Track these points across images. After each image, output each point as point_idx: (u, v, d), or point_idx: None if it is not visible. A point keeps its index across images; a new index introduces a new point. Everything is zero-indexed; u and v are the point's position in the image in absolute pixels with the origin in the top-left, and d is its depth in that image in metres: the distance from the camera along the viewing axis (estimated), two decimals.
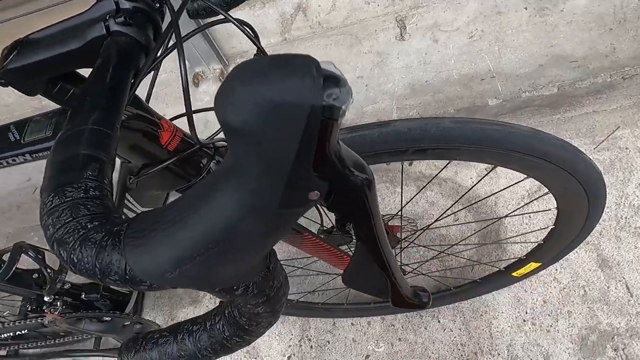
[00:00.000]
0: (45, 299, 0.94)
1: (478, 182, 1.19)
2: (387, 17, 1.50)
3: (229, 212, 0.23)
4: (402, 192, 0.71)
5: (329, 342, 1.20)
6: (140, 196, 0.63)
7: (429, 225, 0.83)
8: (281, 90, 0.21)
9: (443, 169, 1.22)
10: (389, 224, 0.89)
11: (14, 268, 0.83)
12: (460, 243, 1.11)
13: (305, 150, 0.22)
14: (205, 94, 1.58)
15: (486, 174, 1.15)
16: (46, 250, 0.95)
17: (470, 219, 1.21)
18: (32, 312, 0.96)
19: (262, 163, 0.22)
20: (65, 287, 1.00)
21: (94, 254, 0.23)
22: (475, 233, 1.16)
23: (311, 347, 1.22)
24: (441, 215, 0.87)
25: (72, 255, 0.24)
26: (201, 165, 0.56)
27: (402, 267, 0.88)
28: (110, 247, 0.23)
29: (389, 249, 0.41)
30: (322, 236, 0.88)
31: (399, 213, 0.81)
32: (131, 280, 0.23)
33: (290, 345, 1.23)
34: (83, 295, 1.02)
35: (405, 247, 0.92)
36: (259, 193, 0.23)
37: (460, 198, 1.18)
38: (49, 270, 0.88)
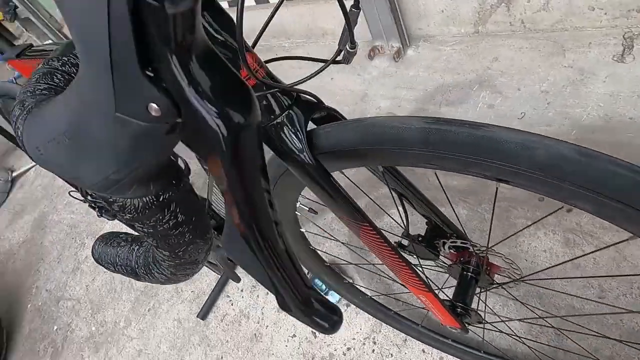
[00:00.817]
0: None
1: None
2: (611, 30, 1.20)
3: (74, 105, 0.20)
4: (491, 223, 0.56)
5: (392, 355, 1.11)
6: None
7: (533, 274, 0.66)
8: None
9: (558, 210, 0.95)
10: (490, 260, 0.74)
11: None
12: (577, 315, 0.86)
13: (119, 34, 0.18)
14: (375, 69, 1.56)
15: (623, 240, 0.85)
16: (179, 156, 1.08)
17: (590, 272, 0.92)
18: None
19: (82, 45, 0.19)
20: None
21: (18, 116, 0.24)
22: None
23: (373, 350, 1.14)
24: (553, 265, 0.67)
25: (15, 108, 0.25)
26: (273, 113, 0.54)
27: (479, 310, 0.72)
28: (25, 114, 0.23)
29: (271, 230, 0.32)
30: (402, 243, 0.79)
31: (488, 248, 0.65)
32: (25, 149, 0.23)
33: (354, 338, 1.17)
34: None
35: (489, 289, 0.75)
36: (94, 88, 0.20)
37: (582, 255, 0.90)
38: None
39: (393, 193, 0.70)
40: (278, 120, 0.54)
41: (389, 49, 1.56)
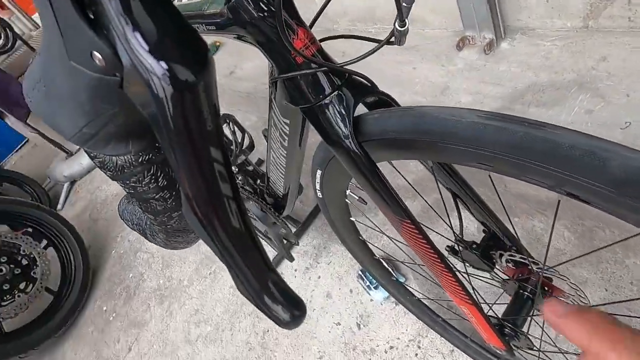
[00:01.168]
0: (233, 168, 1.14)
1: None
2: None
3: (43, 52, 0.20)
4: (549, 239, 0.49)
5: None
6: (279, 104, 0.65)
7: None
8: None
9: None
10: (550, 282, 0.66)
11: None
12: None
13: None
14: (461, 60, 1.46)
15: None
16: (247, 131, 1.11)
17: None
18: None
19: None
20: (249, 168, 1.18)
21: None
22: None
23: (416, 354, 1.09)
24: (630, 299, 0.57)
25: None
26: (322, 92, 0.52)
27: (531, 335, 0.65)
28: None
29: (221, 205, 0.28)
30: (454, 248, 0.73)
31: (545, 268, 0.58)
32: None
33: (398, 338, 1.13)
34: (258, 182, 1.18)
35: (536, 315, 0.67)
36: (49, 34, 0.19)
37: None
38: (238, 146, 1.05)
39: (447, 192, 0.65)
40: (326, 101, 0.52)
41: (481, 40, 1.45)
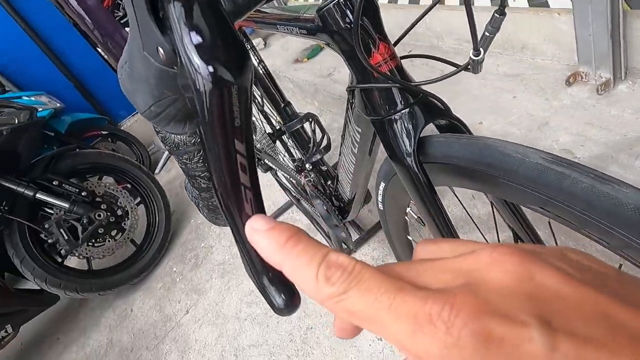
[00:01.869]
0: (306, 165, 1.18)
1: None
2: None
3: (130, 41, 0.24)
4: None
5: None
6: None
7: None
8: None
9: None
10: None
11: (298, 126, 1.08)
12: None
13: None
14: (569, 97, 1.35)
15: None
16: (327, 133, 1.15)
17: None
18: (296, 170, 1.23)
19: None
20: (322, 167, 1.22)
21: None
22: None
23: None
24: None
25: None
26: (393, 107, 0.53)
27: None
28: None
29: (239, 192, 0.30)
30: None
31: None
32: None
33: None
34: (328, 183, 1.21)
35: None
36: (132, 25, 0.23)
37: None
38: (315, 145, 1.09)
39: (509, 231, 0.62)
40: (395, 116, 0.53)
41: (595, 78, 1.32)
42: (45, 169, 1.86)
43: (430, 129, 0.56)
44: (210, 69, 0.26)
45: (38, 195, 1.75)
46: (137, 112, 3.33)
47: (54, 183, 1.84)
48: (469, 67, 0.48)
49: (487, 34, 0.44)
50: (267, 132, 1.34)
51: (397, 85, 0.51)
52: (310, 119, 1.07)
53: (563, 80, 1.39)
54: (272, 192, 2.07)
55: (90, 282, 1.88)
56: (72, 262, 1.98)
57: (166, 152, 3.07)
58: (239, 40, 0.27)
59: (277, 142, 1.39)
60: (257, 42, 3.28)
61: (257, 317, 1.54)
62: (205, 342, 1.58)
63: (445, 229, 0.54)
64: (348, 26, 0.49)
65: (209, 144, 0.29)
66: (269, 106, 1.23)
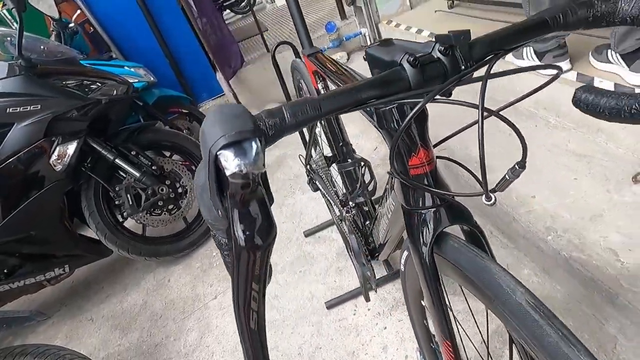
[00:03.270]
0: (350, 202, 1.26)
1: None
2: None
3: (201, 177, 0.33)
4: None
5: None
6: None
7: None
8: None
9: None
10: None
11: (350, 168, 1.16)
12: None
13: (212, 179, 0.28)
14: (632, 195, 1.31)
15: None
16: (375, 179, 1.22)
17: None
18: (341, 204, 1.31)
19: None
20: (365, 208, 1.29)
21: None
22: None
23: None
24: None
25: None
26: (422, 203, 0.59)
27: None
28: None
29: (247, 312, 0.42)
30: None
31: None
32: None
33: None
34: (367, 222, 1.28)
35: None
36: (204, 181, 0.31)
37: None
38: (362, 187, 1.16)
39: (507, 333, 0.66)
40: (422, 211, 0.59)
41: None
42: (128, 138, 2.09)
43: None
44: (248, 242, 0.35)
45: (117, 161, 1.98)
46: (217, 97, 3.57)
47: (132, 152, 2.06)
48: (497, 187, 0.52)
49: (507, 177, 0.49)
50: (325, 155, 1.43)
51: (426, 188, 0.57)
52: (364, 163, 1.14)
53: (630, 176, 1.35)
54: (318, 205, 2.17)
55: (140, 246, 2.09)
56: (130, 224, 2.19)
57: None
58: (271, 218, 0.35)
59: (331, 168, 1.48)
60: (341, 55, 3.38)
61: (275, 322, 1.65)
62: (224, 331, 1.71)
63: (441, 319, 0.60)
64: (394, 130, 0.56)
65: (234, 275, 0.38)
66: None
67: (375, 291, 1.53)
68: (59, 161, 1.83)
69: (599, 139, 1.56)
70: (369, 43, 3.36)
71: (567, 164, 1.52)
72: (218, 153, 0.26)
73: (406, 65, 0.44)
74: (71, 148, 1.85)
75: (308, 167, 1.65)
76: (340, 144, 1.27)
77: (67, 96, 1.81)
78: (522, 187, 1.50)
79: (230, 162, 0.26)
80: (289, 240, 2.04)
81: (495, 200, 0.49)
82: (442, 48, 0.44)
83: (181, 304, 1.95)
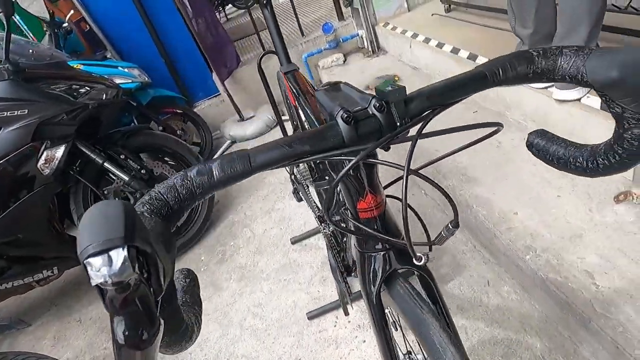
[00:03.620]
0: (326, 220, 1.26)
1: None
2: None
3: None
4: None
5: None
6: None
7: None
8: None
9: None
10: None
11: (324, 187, 1.15)
12: None
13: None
14: (613, 214, 1.30)
15: None
16: None
17: None
18: (319, 219, 1.31)
19: None
20: (342, 224, 1.28)
21: None
22: None
23: None
24: None
25: None
26: (372, 246, 0.59)
27: None
28: None
29: None
30: None
31: None
32: None
33: None
34: (345, 239, 1.28)
35: None
36: None
37: None
38: (338, 209, 1.16)
39: None
40: (371, 253, 0.59)
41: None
42: (118, 142, 2.09)
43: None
44: (127, 338, 0.27)
45: (105, 164, 1.98)
46: (213, 96, 3.56)
47: (121, 156, 2.06)
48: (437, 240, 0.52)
49: (442, 234, 0.48)
50: (310, 166, 1.42)
51: (370, 232, 0.57)
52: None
53: (614, 195, 1.34)
54: (307, 212, 2.17)
55: None
56: None
57: (228, 141, 3.27)
58: (153, 316, 0.29)
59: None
60: (337, 57, 3.36)
61: (258, 331, 1.65)
62: (207, 338, 1.72)
63: (387, 352, 0.60)
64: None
65: None
66: None
67: (352, 307, 1.53)
68: (46, 165, 1.84)
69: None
70: (366, 44, 3.34)
71: (551, 180, 1.51)
72: (85, 262, 0.26)
73: (340, 122, 0.44)
74: (59, 152, 1.85)
75: (292, 176, 1.65)
76: (318, 162, 1.27)
77: (55, 101, 1.81)
78: (505, 203, 1.49)
79: (94, 272, 0.26)
80: (276, 247, 2.05)
81: (427, 259, 0.49)
82: (378, 104, 0.44)
83: None
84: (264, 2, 1.10)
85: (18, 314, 2.23)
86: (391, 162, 0.47)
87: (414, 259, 0.48)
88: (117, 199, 2.04)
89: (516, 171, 1.61)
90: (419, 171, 0.48)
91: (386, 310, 0.59)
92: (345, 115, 0.43)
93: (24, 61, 1.81)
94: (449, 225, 0.47)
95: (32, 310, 2.27)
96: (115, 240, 0.25)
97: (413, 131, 0.46)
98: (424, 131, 0.45)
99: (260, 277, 1.91)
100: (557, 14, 1.46)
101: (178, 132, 3.03)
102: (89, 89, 1.98)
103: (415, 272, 0.61)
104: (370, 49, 3.31)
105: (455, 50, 2.30)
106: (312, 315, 1.60)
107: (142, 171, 2.09)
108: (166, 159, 2.35)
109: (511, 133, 1.81)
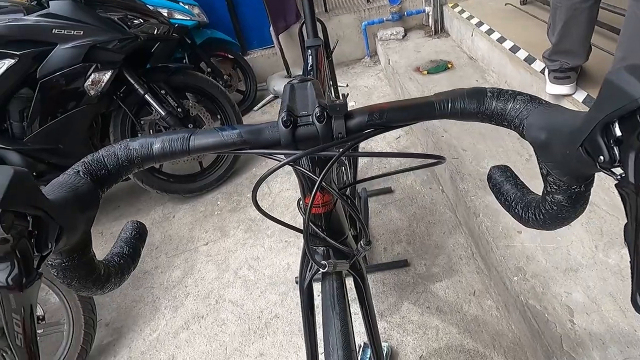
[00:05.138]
0: None
1: None
2: None
3: None
4: None
5: None
6: None
7: None
8: None
9: None
10: None
11: None
12: None
13: None
14: (620, 258, 1.24)
15: None
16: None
17: None
18: None
19: None
20: None
21: None
22: None
23: None
24: None
25: None
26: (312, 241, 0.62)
27: None
28: None
29: None
30: None
31: None
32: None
33: None
34: None
35: None
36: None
37: None
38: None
39: None
40: (313, 247, 0.62)
41: None
42: (162, 77, 2.18)
43: None
44: None
45: (146, 96, 2.09)
46: (267, 47, 3.58)
47: (162, 91, 2.16)
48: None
49: (359, 248, 0.50)
50: None
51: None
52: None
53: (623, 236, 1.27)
54: None
55: (154, 179, 2.24)
56: None
57: (271, 95, 3.32)
58: (26, 268, 0.31)
59: None
60: (398, 30, 3.25)
61: (249, 282, 1.76)
62: (203, 277, 1.85)
63: (310, 340, 0.65)
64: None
65: None
66: None
67: None
68: (93, 86, 1.96)
69: (612, 189, 1.46)
70: (430, 23, 3.20)
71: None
72: None
73: (280, 123, 0.46)
74: (106, 76, 1.97)
75: None
76: None
77: (109, 27, 1.91)
78: (512, 219, 1.45)
79: None
80: (287, 208, 2.12)
81: (334, 268, 0.51)
82: (319, 114, 0.45)
83: (176, 241, 2.11)
84: None
85: None
86: (308, 172, 0.50)
87: (319, 267, 0.51)
88: (151, 130, 2.16)
89: (535, 189, 1.55)
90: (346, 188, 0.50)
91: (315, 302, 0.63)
92: (285, 119, 0.45)
93: None
94: (362, 243, 0.49)
95: None
96: None
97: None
98: (359, 149, 0.46)
99: (265, 233, 2.00)
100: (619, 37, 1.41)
101: (225, 77, 3.09)
102: (142, 21, 2.05)
103: (348, 271, 0.63)
104: (433, 28, 3.16)
105: (514, 49, 2.17)
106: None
107: (178, 109, 2.19)
108: (209, 103, 2.43)
109: None
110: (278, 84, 3.26)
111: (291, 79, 0.58)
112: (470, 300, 1.44)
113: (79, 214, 0.39)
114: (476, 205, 1.56)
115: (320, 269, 0.53)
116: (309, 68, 1.12)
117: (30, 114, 1.93)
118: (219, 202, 2.31)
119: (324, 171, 0.47)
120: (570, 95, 1.70)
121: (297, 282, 1.67)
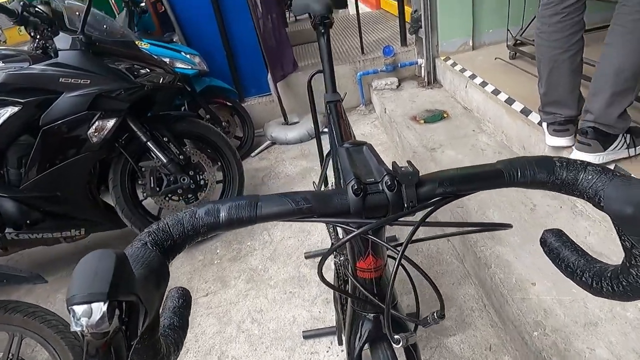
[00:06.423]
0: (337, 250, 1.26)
1: None
2: None
3: None
4: None
5: None
6: None
7: None
8: None
9: None
10: None
11: None
12: None
13: None
14: (639, 312, 1.23)
15: None
16: None
17: None
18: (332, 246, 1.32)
19: None
20: None
21: None
22: None
23: None
24: None
25: None
26: (363, 305, 0.59)
27: None
28: None
29: None
30: None
31: None
32: None
33: None
34: None
35: None
36: None
37: None
38: None
39: None
40: (362, 313, 0.60)
41: None
42: (164, 125, 2.18)
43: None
44: None
45: (148, 143, 2.08)
46: (264, 95, 3.65)
47: (164, 138, 2.15)
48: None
49: (428, 320, 0.48)
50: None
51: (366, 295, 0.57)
52: None
53: None
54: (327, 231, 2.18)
55: (147, 222, 2.18)
56: (149, 204, 2.29)
57: (268, 142, 3.34)
58: None
59: None
60: (392, 80, 3.36)
61: (253, 336, 1.68)
62: (204, 331, 1.76)
63: None
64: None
65: None
66: None
67: None
68: (96, 134, 1.95)
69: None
70: (423, 74, 3.32)
71: None
72: (69, 307, 0.28)
73: (349, 191, 0.45)
74: (110, 124, 1.96)
75: None
76: None
77: (116, 77, 1.92)
78: (525, 270, 1.45)
79: (75, 320, 0.28)
80: (289, 257, 2.07)
81: (406, 343, 0.49)
82: (389, 182, 0.45)
83: None
84: (322, 31, 1.13)
85: (40, 265, 2.37)
86: (382, 242, 0.48)
87: (392, 342, 0.48)
88: (151, 177, 2.13)
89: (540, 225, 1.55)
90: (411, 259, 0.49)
91: None
92: (356, 187, 0.45)
93: (96, 35, 1.93)
94: (435, 314, 0.48)
95: (53, 263, 2.41)
96: (98, 295, 0.27)
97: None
98: (429, 219, 0.46)
99: (267, 283, 1.94)
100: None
101: (223, 123, 3.12)
102: (149, 70, 2.08)
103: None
104: (426, 79, 3.28)
105: (510, 101, 2.25)
106: (308, 335, 1.61)
107: (180, 156, 2.17)
108: (209, 150, 2.43)
109: (549, 200, 1.75)
110: (276, 131, 3.30)
111: (343, 143, 0.58)
112: (486, 356, 1.40)
113: (156, 292, 0.36)
114: (486, 255, 1.55)
115: (394, 344, 0.50)
116: (331, 122, 1.13)
117: (29, 161, 1.89)
118: (218, 251, 2.26)
119: (405, 244, 0.45)
120: (569, 147, 1.75)
121: (304, 337, 1.61)
